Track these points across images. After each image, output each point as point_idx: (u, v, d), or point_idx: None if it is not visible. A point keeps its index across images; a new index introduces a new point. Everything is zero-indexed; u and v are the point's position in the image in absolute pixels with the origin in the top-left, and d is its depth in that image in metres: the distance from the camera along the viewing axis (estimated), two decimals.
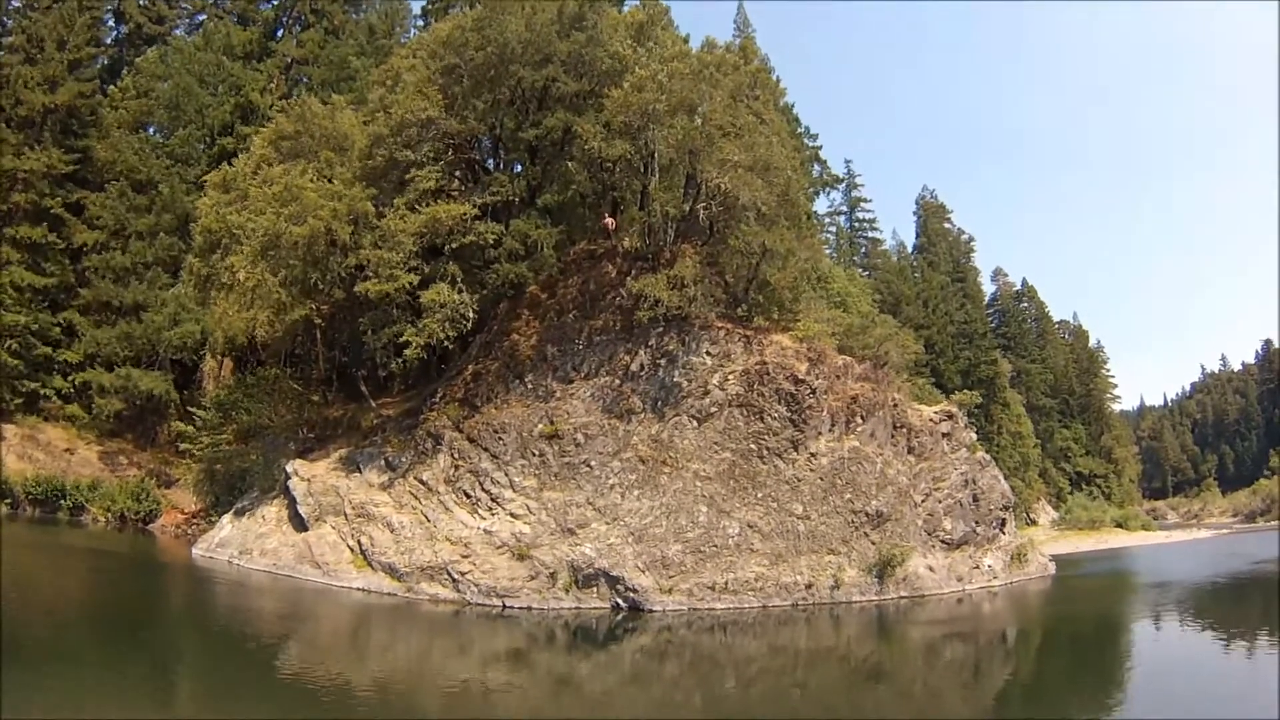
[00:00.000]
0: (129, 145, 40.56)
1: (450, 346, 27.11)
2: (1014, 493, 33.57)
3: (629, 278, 26.24)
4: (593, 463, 23.80)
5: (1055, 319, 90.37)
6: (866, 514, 24.31)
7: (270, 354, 35.16)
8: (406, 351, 25.75)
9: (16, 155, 36.44)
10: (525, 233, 26.43)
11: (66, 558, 25.09)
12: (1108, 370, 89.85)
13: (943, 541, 25.71)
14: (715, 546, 22.60)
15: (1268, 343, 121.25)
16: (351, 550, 23.62)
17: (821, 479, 24.38)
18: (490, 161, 30.52)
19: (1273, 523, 70.56)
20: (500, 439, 24.49)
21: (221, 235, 27.61)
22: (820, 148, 61.48)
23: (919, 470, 26.44)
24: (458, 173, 29.25)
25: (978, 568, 26.33)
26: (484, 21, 26.89)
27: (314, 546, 23.89)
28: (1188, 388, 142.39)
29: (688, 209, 27.45)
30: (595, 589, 21.68)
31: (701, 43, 30.84)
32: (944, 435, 27.84)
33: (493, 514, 23.38)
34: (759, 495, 23.75)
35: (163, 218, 39.21)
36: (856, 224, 77.44)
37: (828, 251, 56.02)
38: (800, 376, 25.31)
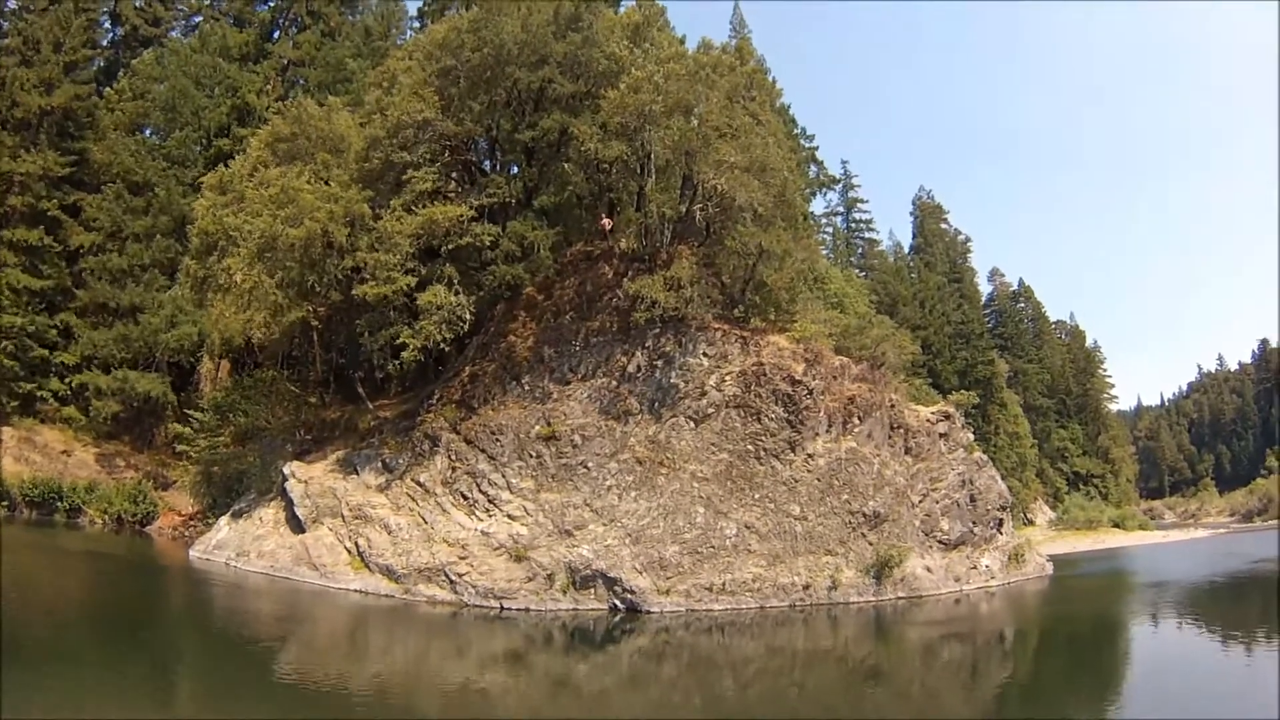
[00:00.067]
0: (125, 147, 40.46)
1: (447, 348, 27.09)
2: (1011, 493, 33.60)
3: (625, 279, 26.25)
4: (590, 464, 23.80)
5: (1052, 319, 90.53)
6: (864, 515, 24.34)
7: (267, 356, 35.14)
8: (403, 353, 25.73)
9: (13, 158, 36.31)
10: (522, 234, 26.44)
11: (65, 559, 25.05)
12: (1104, 370, 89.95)
13: (940, 542, 25.74)
14: (713, 547, 22.62)
15: (1264, 342, 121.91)
16: (349, 552, 23.60)
17: (819, 480, 24.41)
18: (487, 163, 30.55)
19: (1270, 522, 70.68)
20: (497, 440, 24.49)
21: (218, 237, 27.56)
22: (817, 148, 61.80)
23: (916, 471, 26.48)
24: (454, 174, 29.25)
25: (975, 568, 26.37)
26: (480, 23, 26.90)
27: (311, 548, 23.86)
28: (1184, 388, 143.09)
29: (684, 210, 27.46)
30: (593, 590, 21.68)
31: (698, 44, 30.94)
32: (941, 436, 27.88)
33: (490, 515, 23.38)
34: (756, 496, 23.77)
35: (159, 220, 39.13)
36: (853, 225, 77.51)
37: (824, 252, 55.97)
38: (797, 377, 25.34)
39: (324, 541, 24.01)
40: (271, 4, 51.36)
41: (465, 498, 23.88)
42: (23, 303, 35.34)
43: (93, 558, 26.18)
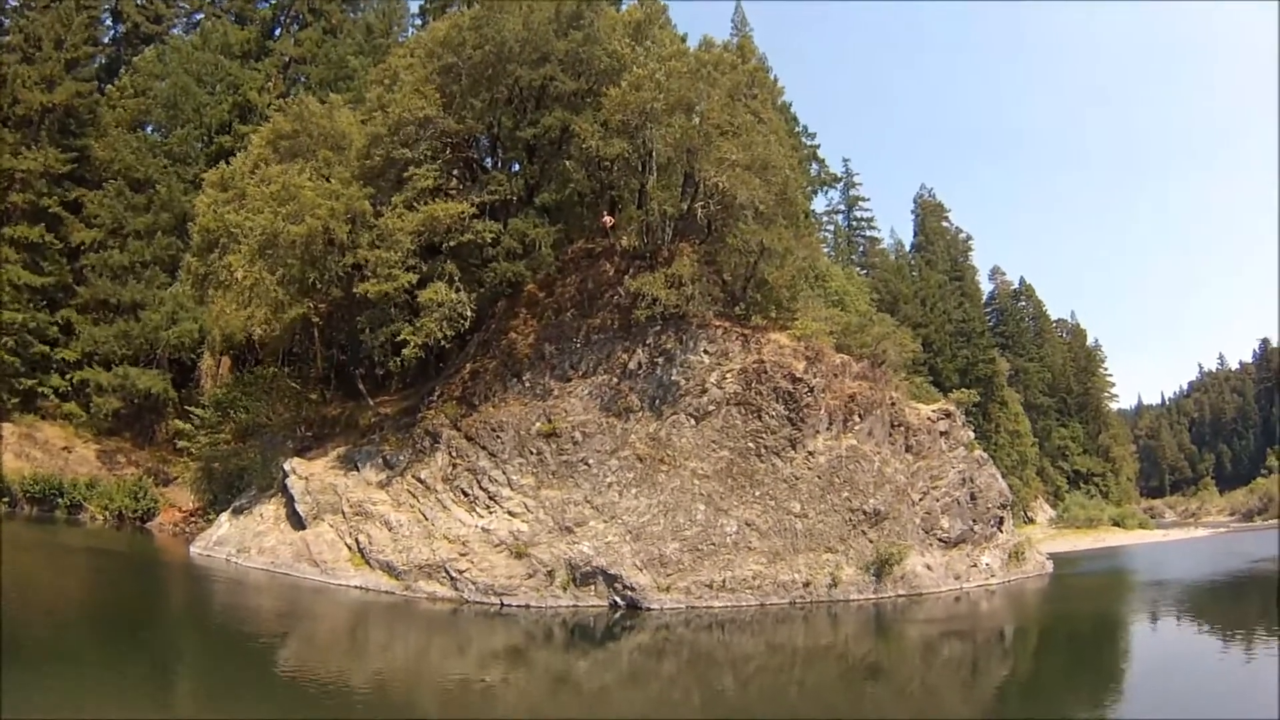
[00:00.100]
0: (126, 144, 40.49)
1: (448, 345, 27.11)
2: (1011, 491, 33.62)
3: (627, 276, 26.27)
4: (590, 461, 23.82)
5: (1053, 318, 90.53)
6: (864, 512, 24.35)
7: (268, 352, 35.18)
8: (404, 350, 25.74)
9: (14, 154, 36.39)
10: (523, 231, 26.43)
11: (65, 556, 25.09)
12: (1105, 369, 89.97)
13: (940, 540, 25.75)
14: (713, 545, 22.63)
15: (1265, 342, 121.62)
16: (349, 548, 23.63)
17: (819, 477, 24.41)
18: (488, 160, 30.51)
19: (1270, 521, 70.56)
20: (498, 437, 24.50)
21: (219, 234, 27.57)
22: (818, 146, 61.74)
23: (917, 469, 26.48)
24: (455, 172, 29.25)
25: (975, 566, 26.38)
26: (482, 20, 26.89)
27: (312, 545, 23.89)
28: (1185, 387, 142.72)
29: (685, 208, 27.46)
30: (593, 587, 21.71)
31: (699, 41, 30.79)
32: (942, 434, 27.87)
33: (490, 512, 23.39)
34: (757, 494, 23.78)
35: (160, 216, 39.15)
36: (854, 223, 77.46)
37: (825, 250, 55.98)
38: (798, 375, 25.34)
39: (325, 538, 24.04)
40: (273, 1, 51.39)
41: (466, 494, 23.90)
42: (24, 299, 35.41)
43: (93, 554, 26.23)
